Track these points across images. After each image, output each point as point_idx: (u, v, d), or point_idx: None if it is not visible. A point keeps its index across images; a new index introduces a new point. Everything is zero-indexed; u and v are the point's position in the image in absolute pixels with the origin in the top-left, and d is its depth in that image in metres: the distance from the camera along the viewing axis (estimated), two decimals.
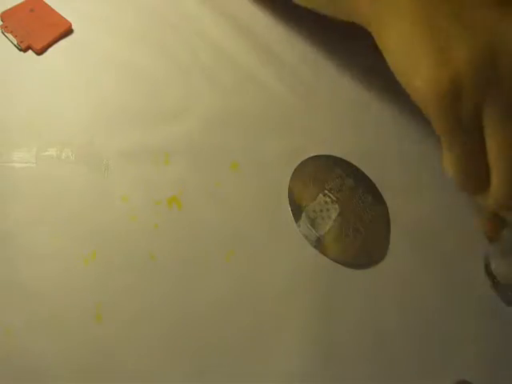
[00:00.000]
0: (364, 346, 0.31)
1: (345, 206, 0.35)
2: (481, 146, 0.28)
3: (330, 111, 0.38)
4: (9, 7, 0.38)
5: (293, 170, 0.35)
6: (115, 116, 0.35)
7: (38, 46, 0.37)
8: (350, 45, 0.36)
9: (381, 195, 0.36)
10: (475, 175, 0.28)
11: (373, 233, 0.34)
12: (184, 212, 0.33)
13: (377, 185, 0.36)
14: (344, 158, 0.36)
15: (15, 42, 0.37)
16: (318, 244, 0.33)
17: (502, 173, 0.27)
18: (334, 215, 0.34)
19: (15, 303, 0.29)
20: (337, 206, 0.34)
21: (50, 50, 0.37)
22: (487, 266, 0.34)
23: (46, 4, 0.39)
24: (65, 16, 0.38)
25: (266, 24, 0.41)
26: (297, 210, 0.34)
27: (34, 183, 0.32)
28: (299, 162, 0.36)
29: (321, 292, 0.32)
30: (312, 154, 0.36)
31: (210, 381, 0.29)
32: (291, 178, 0.35)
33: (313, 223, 0.34)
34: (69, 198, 0.32)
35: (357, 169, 0.36)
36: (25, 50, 0.37)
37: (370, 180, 0.36)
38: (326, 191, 0.35)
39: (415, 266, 0.34)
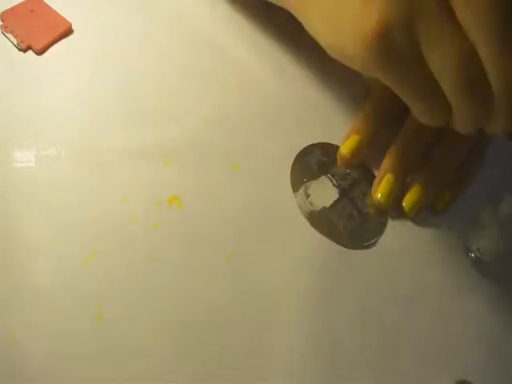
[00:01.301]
0: (363, 345, 0.31)
1: (344, 193, 0.35)
2: (431, 78, 0.27)
3: (332, 110, 0.38)
4: (9, 7, 0.38)
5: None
6: (115, 116, 0.35)
7: (38, 46, 0.37)
8: None
9: None
10: (440, 109, 0.28)
11: (367, 222, 0.34)
12: (184, 212, 0.33)
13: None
14: None
15: (15, 42, 0.37)
16: (311, 218, 0.34)
17: (456, 96, 0.27)
18: (331, 198, 0.35)
19: (15, 303, 0.29)
20: (336, 190, 0.35)
21: (50, 50, 0.37)
22: (467, 246, 0.35)
23: (45, 4, 0.39)
24: (65, 16, 0.38)
25: (266, 25, 0.41)
26: (296, 184, 0.35)
27: (34, 183, 0.32)
28: (308, 144, 0.36)
29: (322, 283, 0.32)
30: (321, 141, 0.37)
31: (210, 380, 0.29)
32: (295, 158, 0.36)
33: (309, 197, 0.34)
34: (68, 198, 0.32)
35: (364, 163, 0.36)
36: (25, 50, 0.37)
37: (374, 175, 0.36)
38: (330, 175, 0.36)
39: (403, 263, 0.34)
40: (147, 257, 0.31)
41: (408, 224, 0.35)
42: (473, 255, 0.34)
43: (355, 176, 0.36)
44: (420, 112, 0.29)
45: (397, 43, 0.26)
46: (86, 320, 0.29)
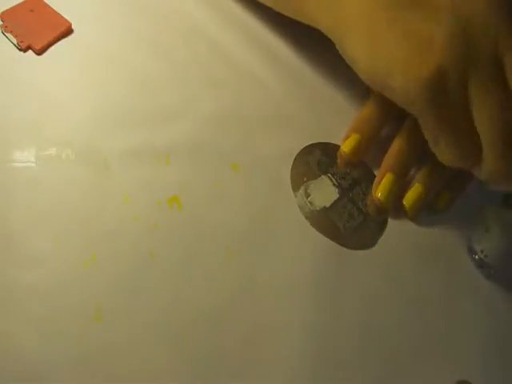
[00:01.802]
0: (363, 345, 0.31)
1: (344, 193, 0.35)
2: (470, 124, 0.28)
3: (332, 109, 0.38)
4: (9, 7, 0.38)
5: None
6: (115, 116, 0.35)
7: (38, 46, 0.37)
8: None
9: None
10: (471, 154, 0.29)
11: (367, 222, 0.34)
12: (184, 212, 0.33)
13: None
14: None
15: (15, 42, 0.37)
16: (311, 217, 0.34)
17: (492, 143, 0.28)
18: (332, 198, 0.35)
19: (14, 304, 0.29)
20: (337, 190, 0.35)
21: (50, 49, 0.37)
22: (470, 248, 0.35)
23: (45, 4, 0.39)
24: (65, 16, 0.38)
25: (266, 25, 0.41)
26: (296, 184, 0.35)
27: (34, 183, 0.32)
28: (308, 144, 0.36)
29: (322, 283, 0.32)
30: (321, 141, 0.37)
31: (210, 380, 0.29)
32: (295, 158, 0.36)
33: (309, 197, 0.35)
34: (69, 198, 0.32)
35: (364, 163, 0.36)
36: (25, 50, 0.37)
37: (375, 175, 0.36)
38: (330, 175, 0.36)
39: (404, 263, 0.34)
40: (147, 257, 0.31)
41: (409, 224, 0.35)
42: (476, 257, 0.34)
43: (355, 176, 0.36)
44: (447, 153, 0.30)
45: (448, 89, 0.28)
46: (86, 321, 0.29)
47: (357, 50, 0.31)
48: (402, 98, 0.29)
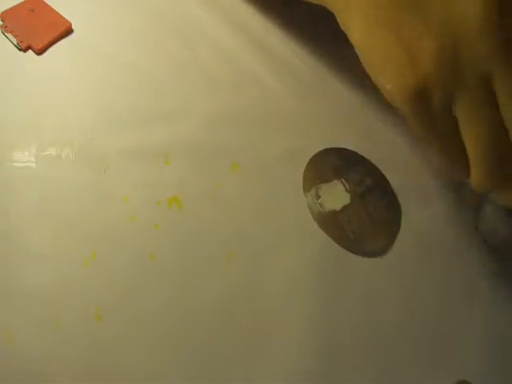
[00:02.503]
0: (364, 346, 0.31)
1: (356, 199, 0.35)
2: (458, 135, 0.28)
3: (332, 108, 0.38)
4: (9, 7, 0.38)
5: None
6: (115, 116, 0.35)
7: (38, 46, 0.37)
8: (350, 44, 0.36)
9: (397, 201, 0.36)
10: (459, 163, 0.29)
11: (378, 230, 0.34)
12: (184, 212, 0.33)
13: (396, 190, 0.36)
14: (367, 157, 0.36)
15: (15, 42, 0.37)
16: (319, 218, 0.34)
17: (478, 161, 0.28)
18: (342, 202, 0.35)
19: (14, 304, 0.29)
20: (349, 196, 0.35)
21: (50, 49, 0.37)
22: (478, 228, 0.35)
23: (45, 4, 0.39)
24: (65, 16, 0.38)
25: (266, 25, 0.41)
26: (307, 185, 0.35)
27: (34, 183, 0.32)
28: (323, 149, 0.36)
29: (323, 284, 0.32)
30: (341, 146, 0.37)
31: (211, 381, 0.29)
32: (310, 160, 0.36)
33: (319, 198, 0.34)
34: (69, 198, 0.32)
35: (379, 171, 0.36)
36: (25, 50, 0.37)
37: (390, 185, 0.36)
38: (343, 180, 0.35)
39: (415, 271, 0.34)
40: (147, 257, 0.31)
41: (419, 234, 0.35)
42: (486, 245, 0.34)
43: (369, 183, 0.36)
44: (437, 156, 0.31)
45: (433, 102, 0.27)
46: (86, 320, 0.29)
47: (358, 37, 0.30)
48: (390, 98, 0.29)
